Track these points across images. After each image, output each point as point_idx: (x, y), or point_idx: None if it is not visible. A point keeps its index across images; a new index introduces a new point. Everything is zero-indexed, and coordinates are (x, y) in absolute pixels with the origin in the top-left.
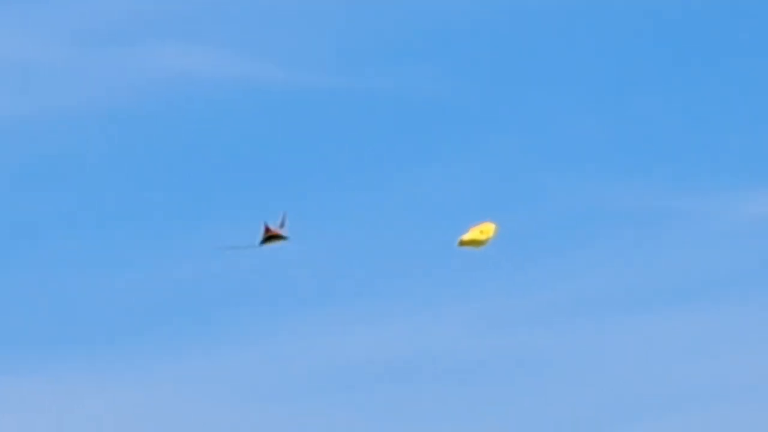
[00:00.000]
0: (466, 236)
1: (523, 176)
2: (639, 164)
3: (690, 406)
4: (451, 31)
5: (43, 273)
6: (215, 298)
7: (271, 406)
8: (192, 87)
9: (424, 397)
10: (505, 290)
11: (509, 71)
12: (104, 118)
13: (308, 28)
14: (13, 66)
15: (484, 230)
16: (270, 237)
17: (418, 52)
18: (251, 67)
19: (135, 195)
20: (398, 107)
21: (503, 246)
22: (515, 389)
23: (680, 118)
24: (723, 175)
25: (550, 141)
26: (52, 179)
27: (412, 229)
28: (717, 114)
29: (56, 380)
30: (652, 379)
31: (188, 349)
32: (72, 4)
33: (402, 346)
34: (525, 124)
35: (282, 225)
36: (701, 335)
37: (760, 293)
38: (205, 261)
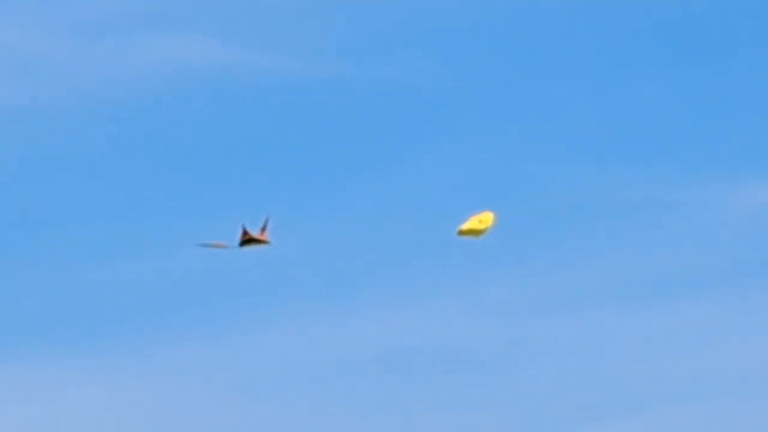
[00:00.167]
0: (465, 226)
1: (522, 166)
2: (638, 155)
3: (689, 398)
4: (450, 21)
5: (41, 263)
6: (214, 290)
7: (269, 397)
8: (190, 78)
9: (423, 388)
10: (503, 280)
11: (509, 62)
12: (100, 110)
13: (306, 19)
14: (10, 56)
15: (482, 220)
16: (248, 240)
17: (417, 42)
18: (249, 57)
19: (132, 186)
20: (397, 97)
21: (502, 236)
22: (513, 379)
23: (679, 109)
24: (722, 167)
25: (549, 131)
26: (50, 170)
27: (411, 218)
28: (716, 105)
29: (55, 371)
30: (650, 370)
31: (187, 340)
32: None
33: (401, 336)
34: (524, 115)
35: (264, 229)
36: (700, 327)
37: (761, 285)
38: (205, 252)
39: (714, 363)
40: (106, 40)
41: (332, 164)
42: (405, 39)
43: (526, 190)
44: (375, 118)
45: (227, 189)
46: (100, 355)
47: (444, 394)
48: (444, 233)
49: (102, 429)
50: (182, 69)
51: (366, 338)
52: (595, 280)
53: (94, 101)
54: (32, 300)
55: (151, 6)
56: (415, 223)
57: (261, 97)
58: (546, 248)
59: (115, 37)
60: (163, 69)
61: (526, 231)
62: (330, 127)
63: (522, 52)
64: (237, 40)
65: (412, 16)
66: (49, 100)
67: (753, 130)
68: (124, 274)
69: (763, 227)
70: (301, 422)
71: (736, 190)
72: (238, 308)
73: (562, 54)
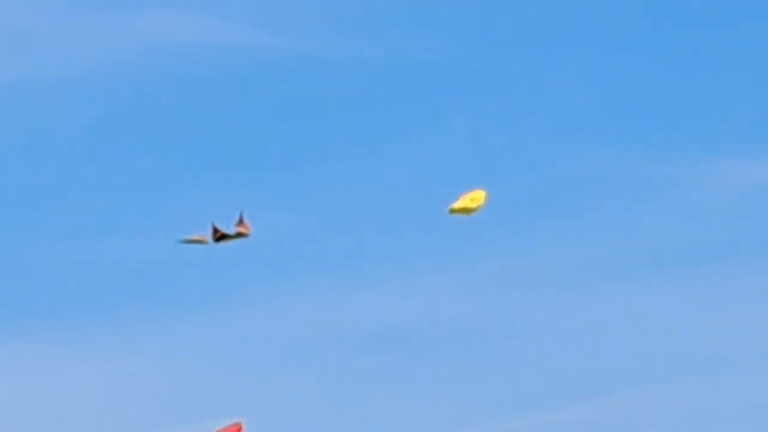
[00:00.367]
0: (457, 204)
1: (515, 143)
2: (633, 131)
3: (684, 373)
4: None
5: (34, 240)
6: (206, 263)
7: (261, 374)
8: (184, 54)
9: (417, 364)
10: (495, 257)
11: (500, 37)
12: (95, 88)
13: None
14: (7, 31)
15: (474, 198)
16: (222, 237)
17: (409, 19)
18: (244, 34)
19: (126, 161)
20: (389, 74)
21: (494, 213)
22: (505, 356)
23: (676, 84)
24: (718, 143)
25: (542, 107)
26: (43, 146)
27: (403, 196)
28: (713, 80)
29: (47, 346)
30: (644, 346)
31: (178, 318)
32: None
33: (393, 313)
34: (516, 91)
35: (240, 222)
36: (694, 303)
37: (756, 261)
38: (197, 226)
39: (709, 338)
40: (105, 15)
41: (323, 142)
42: (397, 17)
43: (518, 167)
44: (366, 96)
45: (220, 164)
46: (92, 329)
47: (438, 368)
48: (436, 211)
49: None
50: (177, 45)
51: (359, 315)
52: (589, 256)
53: (90, 78)
54: (22, 276)
55: None
56: (407, 201)
57: (259, 75)
58: (539, 225)
59: (114, 11)
60: (157, 45)
61: (519, 208)
62: (321, 105)
63: (513, 29)
64: (232, 16)
65: None
66: (45, 77)
67: (752, 108)
68: (117, 247)
69: (760, 204)
70: (294, 398)
71: (734, 168)
72: (228, 283)
73: (555, 31)
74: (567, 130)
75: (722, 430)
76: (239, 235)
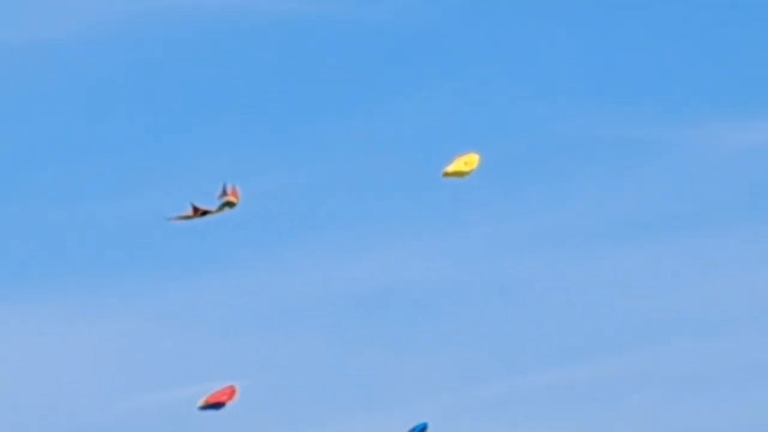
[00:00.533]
0: (451, 167)
1: (508, 106)
2: (627, 93)
3: (677, 337)
4: None
5: (32, 203)
6: (201, 226)
7: (255, 334)
8: (182, 17)
9: (411, 326)
10: (489, 220)
11: (492, 0)
12: (96, 47)
13: None
14: None
15: (468, 161)
16: (204, 213)
17: None
18: None
19: (126, 122)
20: (381, 37)
21: (487, 176)
22: (499, 318)
23: (669, 46)
24: (712, 104)
25: (535, 69)
26: (46, 106)
27: (397, 160)
28: (707, 43)
29: (41, 310)
30: (637, 307)
31: (173, 277)
32: None
33: (386, 276)
34: (509, 53)
35: (224, 193)
36: (688, 266)
37: (750, 223)
38: (188, 191)
39: (701, 301)
40: None
41: (316, 104)
42: None
43: (512, 130)
44: (360, 59)
45: (217, 130)
46: (88, 294)
47: (432, 332)
48: (429, 175)
49: (83, 370)
50: (174, 7)
51: (350, 277)
52: (584, 219)
53: (90, 38)
54: (20, 240)
55: None
56: (400, 164)
57: (251, 37)
58: (533, 187)
59: None
60: (155, 6)
61: (512, 170)
62: (314, 66)
63: None
64: None
65: None
66: (47, 38)
67: (746, 70)
68: (113, 212)
69: (754, 167)
70: (288, 361)
71: (728, 130)
72: (218, 248)
73: None
74: (560, 93)
75: (717, 391)
76: (227, 205)
